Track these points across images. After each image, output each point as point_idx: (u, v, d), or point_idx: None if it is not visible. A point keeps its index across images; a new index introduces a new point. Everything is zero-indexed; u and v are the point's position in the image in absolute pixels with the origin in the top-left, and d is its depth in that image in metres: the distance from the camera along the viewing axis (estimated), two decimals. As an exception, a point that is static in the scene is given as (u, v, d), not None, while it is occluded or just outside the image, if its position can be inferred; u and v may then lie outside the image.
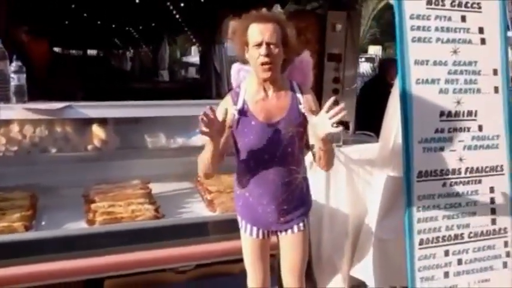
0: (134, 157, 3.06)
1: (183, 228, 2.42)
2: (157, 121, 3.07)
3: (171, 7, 8.72)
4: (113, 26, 13.69)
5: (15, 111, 2.41)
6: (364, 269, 3.07)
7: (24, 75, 2.47)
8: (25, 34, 4.13)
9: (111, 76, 10.70)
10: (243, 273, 2.70)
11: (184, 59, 20.53)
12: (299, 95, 2.11)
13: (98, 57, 18.26)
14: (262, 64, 1.96)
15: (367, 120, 3.86)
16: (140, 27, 13.74)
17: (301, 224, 2.20)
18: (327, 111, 1.94)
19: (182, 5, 8.38)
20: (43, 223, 2.38)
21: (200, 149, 3.25)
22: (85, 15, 11.05)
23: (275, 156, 2.08)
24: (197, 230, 2.43)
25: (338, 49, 3.68)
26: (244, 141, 2.11)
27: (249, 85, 2.13)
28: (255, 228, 2.20)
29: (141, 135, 3.15)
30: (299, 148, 2.14)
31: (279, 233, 2.23)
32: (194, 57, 19.64)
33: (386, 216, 2.96)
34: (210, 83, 8.44)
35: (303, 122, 2.10)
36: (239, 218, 2.26)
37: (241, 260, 2.66)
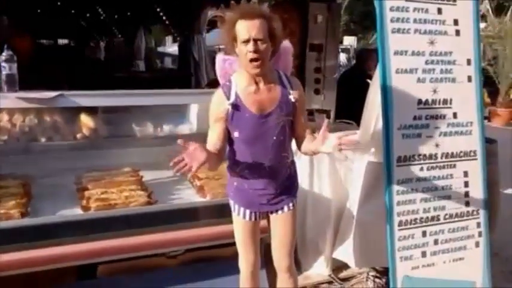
0: (123, 146, 3.11)
1: (176, 213, 2.50)
2: (145, 110, 3.13)
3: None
4: (88, 15, 13.50)
5: (7, 99, 2.43)
6: (346, 251, 3.20)
7: (15, 65, 2.50)
8: (6, 25, 4.12)
9: (88, 66, 10.58)
10: (233, 257, 2.81)
11: (160, 49, 20.34)
12: (288, 85, 2.19)
13: (72, 47, 17.92)
14: (251, 60, 2.01)
15: (346, 109, 3.99)
16: (116, 17, 13.57)
17: (290, 204, 2.32)
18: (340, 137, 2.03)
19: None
20: (38, 210, 2.42)
21: (186, 137, 3.34)
22: (59, 3, 10.87)
23: (268, 145, 2.17)
24: (190, 215, 2.51)
25: (319, 40, 3.78)
26: (239, 132, 2.18)
27: (239, 79, 2.16)
28: (247, 211, 2.30)
29: (129, 124, 3.20)
30: (289, 135, 2.24)
31: (270, 214, 2.34)
32: (170, 47, 19.48)
33: (366, 200, 3.10)
34: (189, 73, 8.46)
35: (292, 111, 2.19)
36: (231, 202, 2.35)
37: (231, 244, 2.76)
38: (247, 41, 2.00)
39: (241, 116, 2.13)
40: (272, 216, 2.35)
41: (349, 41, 19.65)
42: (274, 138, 2.17)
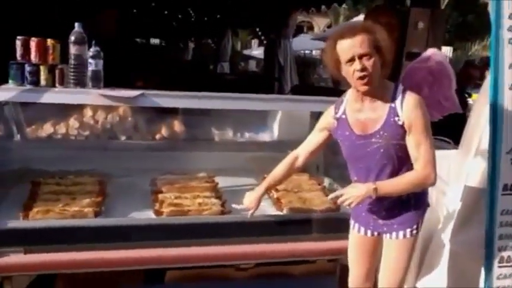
0: (200, 149, 3.05)
1: (250, 225, 2.36)
2: (225, 114, 3.04)
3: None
4: (180, 16, 13.91)
5: (90, 95, 2.41)
6: (433, 282, 2.92)
7: (102, 61, 2.47)
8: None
9: (172, 66, 10.86)
10: (304, 275, 2.65)
11: (246, 51, 20.62)
12: (398, 107, 1.98)
13: (162, 47, 18.65)
14: (359, 78, 1.92)
15: (442, 125, 3.65)
16: (206, 19, 13.88)
17: (401, 233, 2.16)
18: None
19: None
20: (111, 209, 2.39)
21: (265, 144, 3.21)
22: (153, 4, 11.27)
23: (370, 167, 2.07)
24: (264, 229, 2.37)
25: (418, 48, 3.51)
26: (342, 148, 2.16)
27: (350, 94, 2.12)
28: (356, 224, 2.28)
29: (208, 127, 3.13)
30: (399, 159, 2.05)
31: (383, 235, 2.22)
32: (255, 50, 19.69)
33: (461, 229, 2.80)
34: (273, 77, 8.41)
35: (402, 135, 2.00)
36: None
37: (302, 262, 2.62)
38: (351, 60, 1.91)
39: (343, 132, 2.10)
40: (384, 239, 2.23)
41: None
42: (376, 162, 2.04)
